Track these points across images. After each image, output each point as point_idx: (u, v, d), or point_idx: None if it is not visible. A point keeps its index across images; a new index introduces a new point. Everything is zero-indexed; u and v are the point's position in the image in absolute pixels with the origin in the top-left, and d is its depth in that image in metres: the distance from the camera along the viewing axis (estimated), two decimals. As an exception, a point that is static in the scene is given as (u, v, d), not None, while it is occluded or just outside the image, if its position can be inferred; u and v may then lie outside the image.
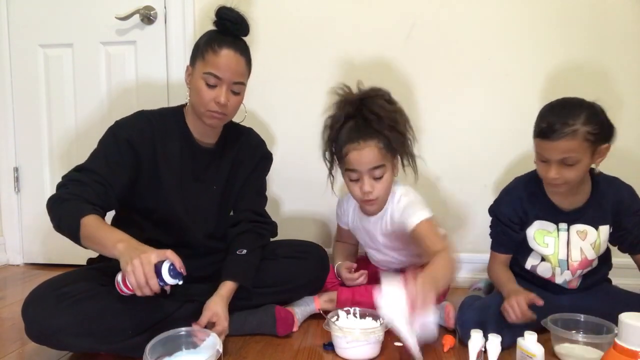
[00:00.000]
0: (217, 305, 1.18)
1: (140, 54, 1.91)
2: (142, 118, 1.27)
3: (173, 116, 1.31)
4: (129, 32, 1.90)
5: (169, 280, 1.01)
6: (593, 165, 1.22)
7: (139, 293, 1.00)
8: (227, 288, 1.23)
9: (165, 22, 1.87)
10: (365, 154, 1.27)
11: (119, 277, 1.05)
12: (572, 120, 1.13)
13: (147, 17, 1.86)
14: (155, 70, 1.90)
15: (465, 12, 1.75)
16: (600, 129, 1.15)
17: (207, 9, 1.84)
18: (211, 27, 1.29)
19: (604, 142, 1.18)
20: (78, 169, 1.19)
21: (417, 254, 1.45)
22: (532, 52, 1.73)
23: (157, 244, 1.29)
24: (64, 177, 1.17)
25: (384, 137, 1.26)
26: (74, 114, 1.97)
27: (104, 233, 1.06)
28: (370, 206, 1.37)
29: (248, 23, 1.27)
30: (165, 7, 1.86)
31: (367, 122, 1.27)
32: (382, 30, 1.78)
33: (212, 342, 1.06)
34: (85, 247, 1.09)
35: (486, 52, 1.75)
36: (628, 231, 1.29)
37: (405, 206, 1.34)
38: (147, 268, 0.98)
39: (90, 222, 1.07)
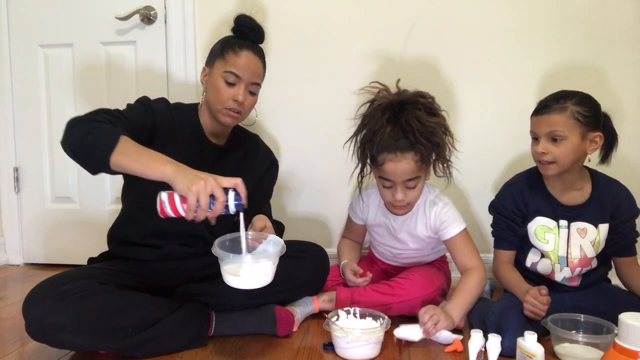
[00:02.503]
0: (263, 220, 1.20)
1: (140, 54, 1.91)
2: (165, 103, 1.34)
3: (187, 111, 1.37)
4: (129, 32, 1.90)
5: (232, 209, 0.99)
6: (588, 157, 1.25)
7: (190, 217, 0.97)
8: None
9: (165, 22, 1.87)
10: (401, 166, 1.25)
11: (164, 196, 0.99)
12: (563, 100, 1.22)
13: (147, 17, 1.86)
14: (155, 70, 1.90)
15: (465, 12, 1.75)
16: (592, 114, 1.21)
17: (207, 9, 1.84)
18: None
19: (594, 129, 1.22)
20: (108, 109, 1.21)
21: (432, 252, 1.51)
22: (532, 52, 1.73)
23: (159, 239, 1.29)
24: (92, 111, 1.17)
25: (420, 149, 1.24)
26: (74, 114, 1.94)
27: (148, 152, 1.05)
28: (400, 210, 1.38)
29: (264, 31, 1.35)
30: (165, 7, 1.86)
31: (405, 133, 1.23)
32: (382, 31, 1.78)
33: (273, 238, 1.11)
34: (107, 168, 1.04)
35: (486, 52, 1.75)
36: (623, 235, 1.31)
37: (444, 214, 1.38)
38: (217, 191, 0.97)
39: (129, 141, 1.06)
